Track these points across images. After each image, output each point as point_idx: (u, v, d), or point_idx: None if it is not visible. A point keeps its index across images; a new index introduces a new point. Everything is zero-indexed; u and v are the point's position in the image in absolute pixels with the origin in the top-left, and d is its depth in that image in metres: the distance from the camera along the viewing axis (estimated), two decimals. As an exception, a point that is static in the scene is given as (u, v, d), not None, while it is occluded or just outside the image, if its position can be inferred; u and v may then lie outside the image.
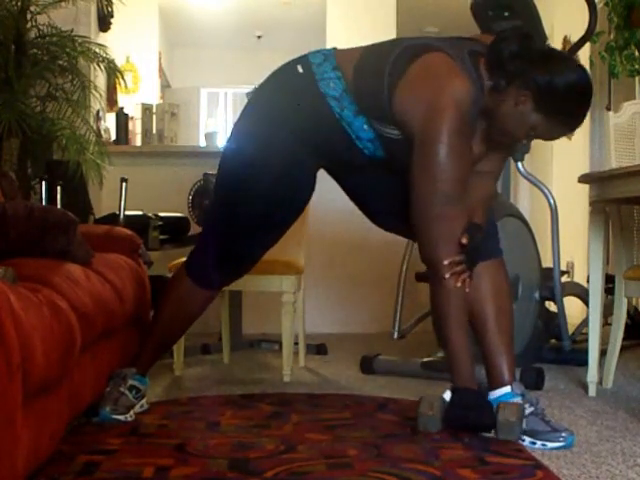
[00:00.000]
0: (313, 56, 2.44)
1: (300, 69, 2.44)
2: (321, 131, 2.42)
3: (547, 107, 2.27)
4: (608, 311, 3.46)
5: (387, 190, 2.60)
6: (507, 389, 2.45)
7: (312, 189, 2.61)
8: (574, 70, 2.33)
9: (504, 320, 2.52)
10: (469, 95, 2.27)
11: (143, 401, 2.71)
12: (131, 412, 2.59)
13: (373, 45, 2.46)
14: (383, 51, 2.39)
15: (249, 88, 5.00)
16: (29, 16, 4.36)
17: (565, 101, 2.28)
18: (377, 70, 2.34)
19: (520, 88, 2.28)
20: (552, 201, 3.79)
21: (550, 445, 2.31)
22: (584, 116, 2.35)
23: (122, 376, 2.66)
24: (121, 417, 2.55)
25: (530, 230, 3.91)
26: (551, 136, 2.45)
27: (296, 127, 2.43)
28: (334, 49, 2.50)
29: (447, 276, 2.35)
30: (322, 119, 2.39)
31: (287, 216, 2.60)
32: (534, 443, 2.33)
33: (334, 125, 2.38)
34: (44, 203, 3.81)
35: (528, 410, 2.40)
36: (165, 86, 9.46)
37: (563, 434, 2.33)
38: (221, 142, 6.40)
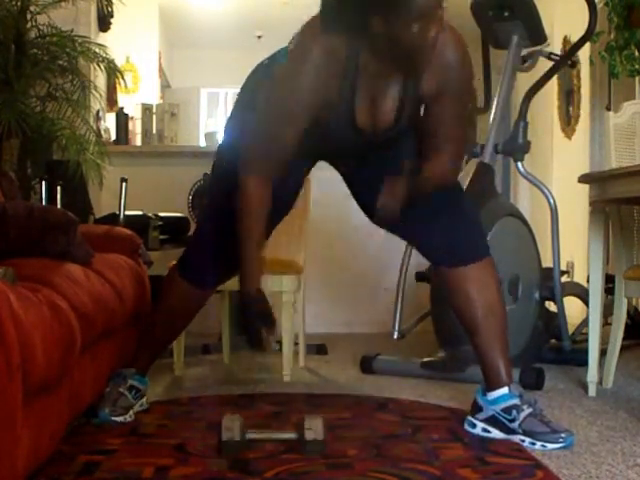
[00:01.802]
0: (285, 47, 2.42)
1: (266, 61, 2.47)
2: None
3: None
4: (608, 311, 3.46)
5: (374, 184, 2.55)
6: (505, 390, 2.45)
7: (299, 187, 2.66)
8: None
9: (495, 321, 2.50)
10: (323, 50, 2.17)
11: (143, 400, 2.71)
12: (130, 412, 2.59)
13: None
14: None
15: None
16: (29, 16, 4.36)
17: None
18: None
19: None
20: (552, 201, 3.79)
21: (550, 446, 2.31)
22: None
23: (122, 377, 2.66)
24: (120, 418, 2.55)
25: (530, 230, 3.91)
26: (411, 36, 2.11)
27: None
28: None
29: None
30: None
31: (278, 211, 2.61)
32: (534, 444, 2.33)
33: None
34: (44, 203, 3.81)
35: (527, 411, 2.40)
36: (165, 86, 9.46)
37: (562, 435, 2.33)
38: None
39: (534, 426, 2.36)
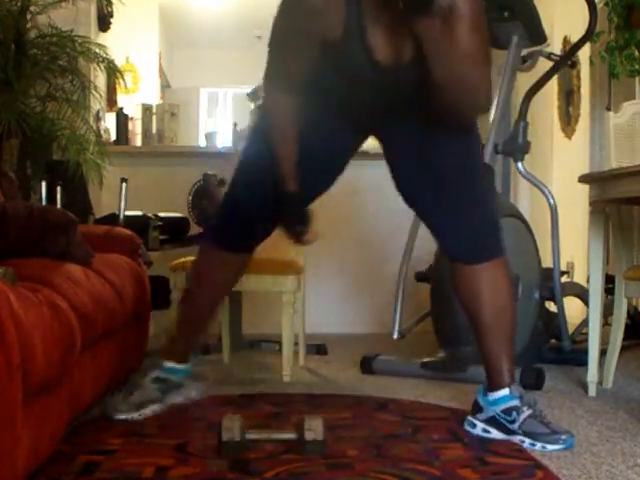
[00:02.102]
0: None
1: None
2: None
3: None
4: (608, 311, 3.46)
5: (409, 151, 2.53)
6: (506, 391, 2.45)
7: (345, 157, 2.63)
8: None
9: (503, 323, 2.49)
10: None
11: (184, 391, 2.69)
12: (141, 411, 2.55)
13: None
14: None
15: (249, 88, 5.03)
16: (29, 16, 4.35)
17: None
18: None
19: None
20: (552, 201, 3.79)
21: (550, 447, 2.31)
22: None
23: (153, 367, 2.65)
24: (122, 416, 2.53)
25: (530, 230, 3.91)
26: None
27: None
28: None
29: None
30: None
31: (323, 182, 2.63)
32: (534, 445, 2.33)
33: None
34: (44, 203, 3.81)
35: (526, 412, 2.40)
36: (165, 86, 9.47)
37: (563, 437, 2.33)
38: (221, 142, 6.40)
39: (534, 427, 2.36)
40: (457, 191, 2.48)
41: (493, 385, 2.47)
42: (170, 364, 2.68)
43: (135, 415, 2.55)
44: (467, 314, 2.55)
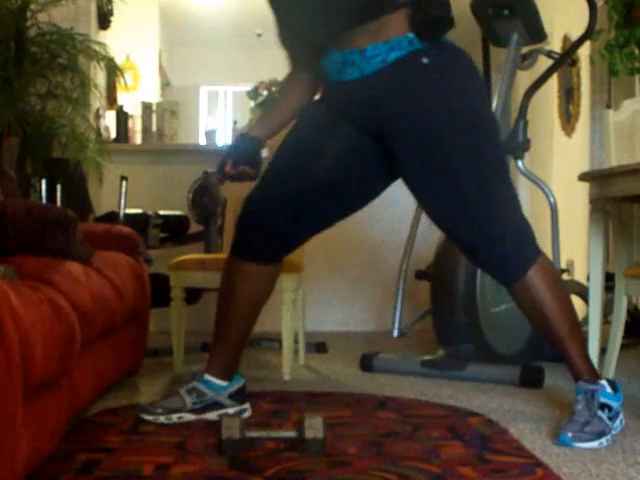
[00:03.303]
0: None
1: None
2: None
3: None
4: (608, 309, 3.46)
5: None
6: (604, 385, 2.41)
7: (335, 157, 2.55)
8: None
9: (555, 330, 2.45)
10: None
11: (224, 411, 2.60)
12: (170, 416, 2.52)
13: None
14: None
15: (249, 86, 5.01)
16: (29, 14, 4.36)
17: None
18: None
19: None
20: (552, 199, 3.79)
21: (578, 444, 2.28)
22: None
23: (195, 377, 2.62)
24: (149, 417, 2.51)
25: (530, 228, 3.90)
26: None
27: None
28: None
29: None
30: None
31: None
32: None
33: None
34: (44, 201, 3.81)
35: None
36: (165, 84, 9.46)
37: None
38: (221, 140, 6.41)
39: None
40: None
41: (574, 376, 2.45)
42: (209, 377, 2.63)
43: (162, 419, 2.52)
44: (540, 328, 2.51)
